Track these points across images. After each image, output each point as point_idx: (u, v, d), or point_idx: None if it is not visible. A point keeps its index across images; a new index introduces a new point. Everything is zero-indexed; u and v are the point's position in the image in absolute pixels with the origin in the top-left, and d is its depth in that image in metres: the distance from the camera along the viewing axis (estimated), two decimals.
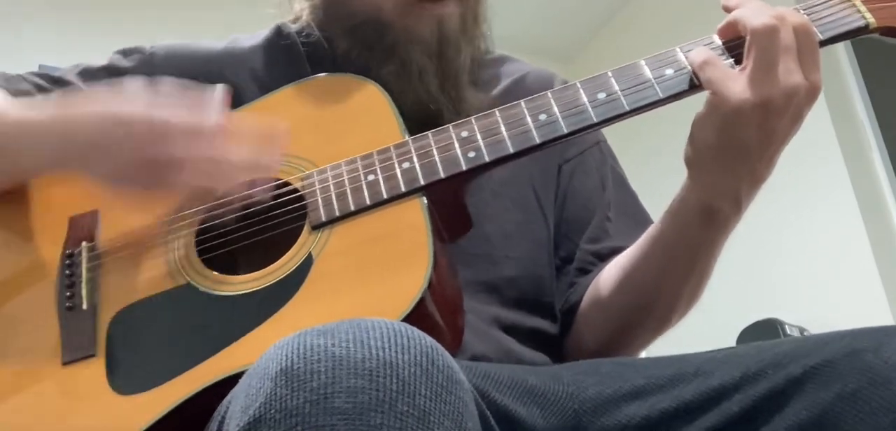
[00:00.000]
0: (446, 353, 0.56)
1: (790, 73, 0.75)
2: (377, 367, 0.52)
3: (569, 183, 1.05)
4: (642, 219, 1.06)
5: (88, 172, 0.81)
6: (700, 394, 0.72)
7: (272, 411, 0.51)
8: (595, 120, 0.79)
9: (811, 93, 0.77)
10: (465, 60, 0.97)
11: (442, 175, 0.80)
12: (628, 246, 0.99)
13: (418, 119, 0.86)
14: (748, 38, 0.76)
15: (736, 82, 0.75)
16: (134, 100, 0.79)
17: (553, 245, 1.03)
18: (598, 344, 0.97)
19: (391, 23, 0.93)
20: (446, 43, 0.95)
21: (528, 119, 0.81)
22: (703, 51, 0.78)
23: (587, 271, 1.00)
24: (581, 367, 0.82)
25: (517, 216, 0.98)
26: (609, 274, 0.96)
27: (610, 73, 0.81)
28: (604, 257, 1.00)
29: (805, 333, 2.68)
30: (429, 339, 0.56)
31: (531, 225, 1.00)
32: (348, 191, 0.81)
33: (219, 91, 0.81)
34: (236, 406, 0.55)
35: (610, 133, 1.13)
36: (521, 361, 0.89)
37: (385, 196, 0.79)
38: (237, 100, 0.94)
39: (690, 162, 0.83)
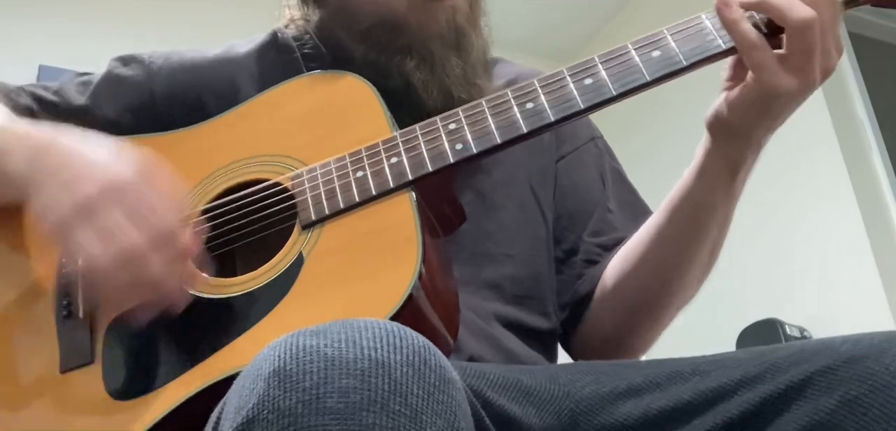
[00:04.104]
0: (439, 352, 0.56)
1: (828, 55, 0.77)
2: (369, 367, 0.52)
3: (566, 178, 1.05)
4: (642, 210, 1.06)
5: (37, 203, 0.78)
6: (698, 395, 0.72)
7: (265, 411, 0.51)
8: (582, 106, 0.78)
9: (840, 53, 0.79)
10: (480, 52, 0.97)
11: (430, 168, 0.79)
12: (631, 236, 0.99)
13: (444, 111, 0.85)
14: (788, 30, 0.76)
15: (784, 74, 0.76)
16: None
17: (555, 239, 1.03)
18: (619, 327, 0.98)
19: (406, 21, 0.93)
20: (462, 33, 0.95)
21: (515, 108, 0.80)
22: (752, 31, 0.77)
23: (595, 262, 1.00)
24: (577, 367, 0.82)
25: (516, 215, 0.98)
26: (629, 255, 0.96)
27: (596, 58, 0.80)
28: (609, 248, 1.00)
29: (805, 333, 2.67)
30: (421, 339, 0.55)
31: (530, 224, 1.00)
32: (337, 188, 0.81)
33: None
34: (230, 408, 0.55)
35: (605, 129, 1.13)
36: (519, 361, 0.89)
37: (374, 192, 0.79)
38: (233, 105, 0.94)
39: (721, 130, 0.83)
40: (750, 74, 0.78)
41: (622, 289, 0.96)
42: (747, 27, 0.76)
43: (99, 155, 0.78)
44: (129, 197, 0.75)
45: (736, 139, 0.83)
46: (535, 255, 0.99)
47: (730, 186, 0.87)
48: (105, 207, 0.74)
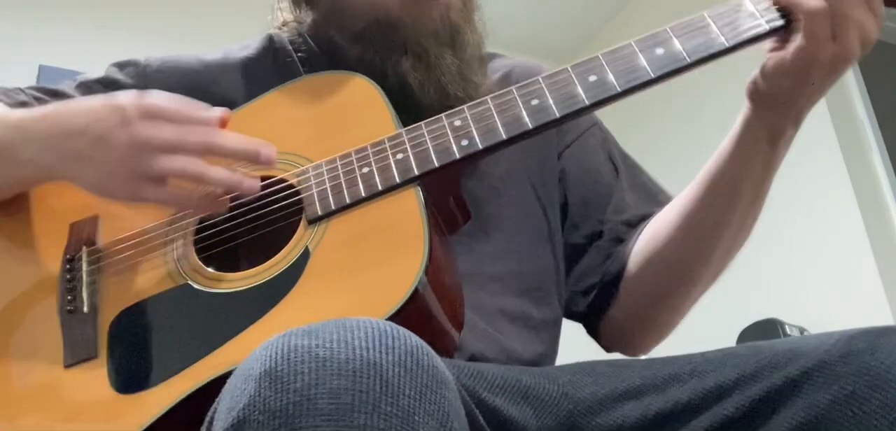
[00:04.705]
0: (432, 352, 0.56)
1: (864, 25, 0.77)
2: (361, 367, 0.52)
3: (575, 164, 1.05)
4: (654, 189, 1.06)
5: (81, 169, 0.81)
6: (696, 395, 0.72)
7: (255, 412, 0.51)
8: (586, 103, 0.79)
9: (880, 25, 0.78)
10: (475, 47, 0.98)
11: (436, 164, 0.79)
12: (651, 213, 0.99)
13: (440, 109, 0.85)
14: (820, 5, 0.76)
15: (826, 43, 0.76)
16: (127, 94, 0.81)
17: (571, 227, 1.03)
18: (655, 302, 0.97)
19: (400, 20, 0.94)
20: (456, 30, 0.95)
21: (520, 105, 0.81)
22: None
23: (622, 240, 1.00)
24: (576, 368, 0.82)
25: (517, 210, 0.99)
26: (660, 230, 0.96)
27: (600, 56, 0.81)
28: (634, 225, 1.00)
29: (805, 333, 2.67)
30: (414, 339, 0.56)
31: (531, 219, 1.00)
32: (343, 184, 0.81)
33: (215, 109, 0.82)
34: (222, 407, 0.55)
35: (609, 123, 1.13)
36: (520, 360, 0.89)
37: (380, 187, 0.79)
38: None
39: (759, 98, 0.83)
40: (793, 42, 0.78)
41: (655, 265, 0.95)
42: None
43: (93, 109, 0.82)
44: (148, 115, 0.79)
45: (773, 106, 0.83)
46: (537, 249, 0.99)
47: (769, 155, 0.86)
48: (133, 139, 0.78)
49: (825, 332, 0.71)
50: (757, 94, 0.83)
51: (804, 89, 0.80)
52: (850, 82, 2.89)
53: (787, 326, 2.68)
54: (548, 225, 1.01)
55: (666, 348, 0.95)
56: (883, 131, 2.85)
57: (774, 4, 0.79)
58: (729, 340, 2.73)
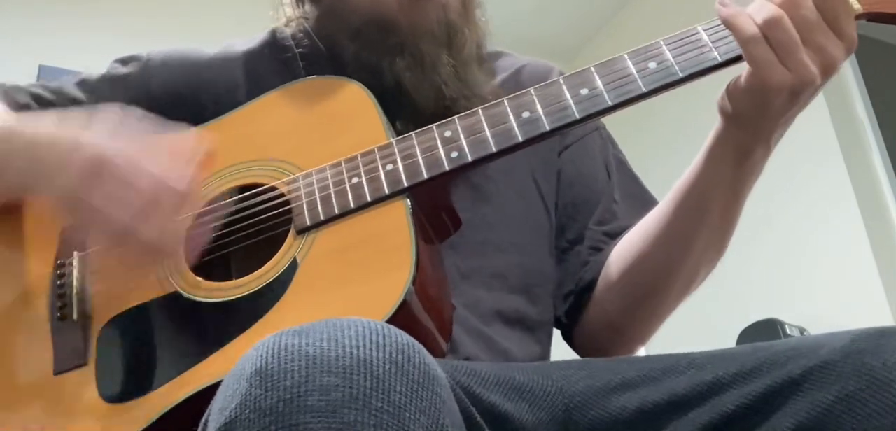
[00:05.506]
0: (423, 350, 0.56)
1: (822, 50, 0.75)
2: (351, 365, 0.52)
3: (572, 167, 1.05)
4: (647, 200, 1.06)
5: (50, 191, 0.80)
6: (693, 388, 0.71)
7: (246, 411, 0.51)
8: (577, 116, 0.79)
9: (849, 49, 0.76)
10: (473, 47, 0.97)
11: (425, 176, 0.79)
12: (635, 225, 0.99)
13: (436, 111, 0.85)
14: (761, 29, 0.75)
15: (777, 69, 0.75)
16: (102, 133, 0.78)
17: (558, 229, 1.03)
18: (623, 314, 0.97)
19: (397, 20, 0.93)
20: (454, 30, 0.95)
21: (511, 117, 0.80)
22: (749, 25, 0.75)
23: (600, 249, 1.00)
24: (571, 363, 0.82)
25: (518, 204, 0.98)
26: (634, 240, 0.96)
27: (592, 68, 0.81)
28: (614, 236, 1.00)
29: (805, 334, 2.67)
30: (405, 336, 0.55)
31: (532, 214, 1.00)
32: (332, 194, 0.81)
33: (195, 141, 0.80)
34: (215, 408, 0.55)
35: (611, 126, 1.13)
36: (514, 360, 0.89)
37: (368, 199, 0.79)
38: (229, 104, 0.94)
39: (726, 114, 0.83)
40: (748, 67, 0.77)
41: (626, 275, 0.95)
42: (745, 21, 0.75)
43: (67, 139, 0.79)
44: (106, 179, 0.76)
45: (739, 124, 0.82)
46: (537, 245, 0.99)
47: (735, 173, 0.85)
48: (86, 196, 0.76)
49: (827, 332, 0.71)
50: (724, 112, 0.83)
51: (766, 112, 0.79)
52: (850, 82, 2.88)
53: (787, 326, 2.68)
54: (549, 222, 1.01)
55: (665, 348, 0.95)
56: (883, 131, 2.85)
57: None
58: (729, 340, 2.73)
